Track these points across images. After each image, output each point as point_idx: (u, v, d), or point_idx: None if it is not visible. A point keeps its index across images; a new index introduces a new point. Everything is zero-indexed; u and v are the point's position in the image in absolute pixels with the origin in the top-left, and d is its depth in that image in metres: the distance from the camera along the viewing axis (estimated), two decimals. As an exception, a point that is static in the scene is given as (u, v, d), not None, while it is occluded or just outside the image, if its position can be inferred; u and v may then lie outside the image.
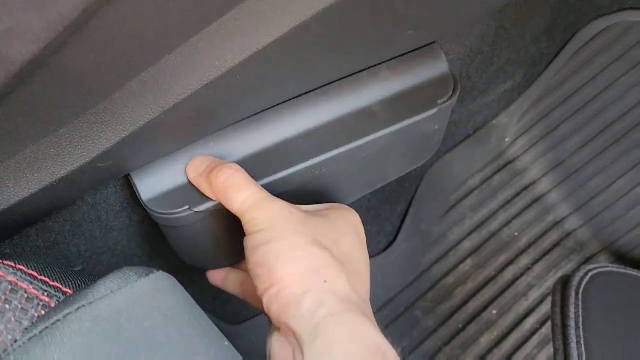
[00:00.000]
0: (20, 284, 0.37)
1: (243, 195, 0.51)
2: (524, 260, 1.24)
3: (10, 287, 0.37)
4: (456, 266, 1.24)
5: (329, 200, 0.66)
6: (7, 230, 0.54)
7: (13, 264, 0.38)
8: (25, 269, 0.39)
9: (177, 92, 0.43)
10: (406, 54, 0.66)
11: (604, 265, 0.81)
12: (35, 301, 0.37)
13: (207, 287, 0.68)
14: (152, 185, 0.56)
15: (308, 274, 0.48)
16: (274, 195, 0.55)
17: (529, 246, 1.25)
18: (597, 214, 1.22)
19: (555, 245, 1.25)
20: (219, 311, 1.00)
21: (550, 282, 1.22)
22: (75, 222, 0.62)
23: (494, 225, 1.26)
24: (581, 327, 0.73)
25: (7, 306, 0.36)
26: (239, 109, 0.55)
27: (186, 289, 0.43)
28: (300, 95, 0.61)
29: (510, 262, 1.24)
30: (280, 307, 0.48)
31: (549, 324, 1.16)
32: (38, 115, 0.40)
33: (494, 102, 1.19)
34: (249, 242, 0.51)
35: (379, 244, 1.20)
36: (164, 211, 0.56)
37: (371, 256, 1.16)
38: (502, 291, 1.21)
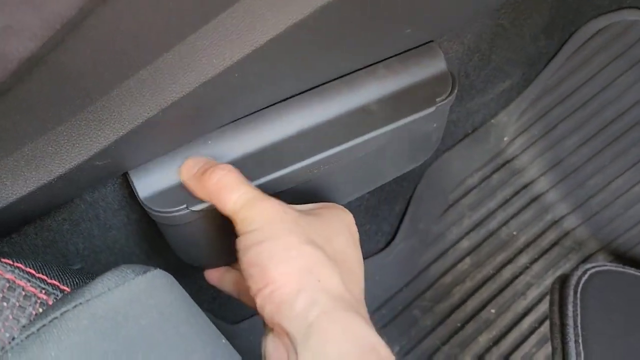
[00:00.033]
0: (17, 281, 0.37)
1: (235, 195, 0.51)
2: (523, 259, 1.24)
3: (7, 284, 0.37)
4: (454, 265, 1.24)
5: (327, 199, 0.66)
6: (5, 228, 0.54)
7: (11, 262, 0.39)
8: (22, 267, 0.39)
9: (175, 90, 0.43)
10: (404, 52, 0.66)
11: (603, 264, 0.81)
12: (33, 299, 0.37)
13: (205, 286, 0.68)
14: (149, 183, 0.56)
15: (301, 273, 0.48)
16: (272, 194, 0.54)
17: (528, 245, 1.25)
18: (596, 213, 1.22)
19: (554, 244, 1.25)
20: (217, 310, 1.00)
21: (548, 281, 1.22)
22: (74, 220, 0.62)
23: (493, 224, 1.26)
24: (579, 325, 0.73)
25: (5, 304, 0.36)
26: (237, 107, 0.55)
27: (184, 288, 0.43)
28: (298, 94, 0.61)
29: (508, 261, 1.24)
30: (273, 307, 0.47)
31: (547, 323, 1.15)
32: (36, 113, 0.40)
33: (493, 101, 1.19)
34: (242, 242, 0.50)
35: (378, 243, 1.20)
36: (161, 209, 0.56)
37: (369, 255, 1.16)
38: (501, 290, 1.21)
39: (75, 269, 0.64)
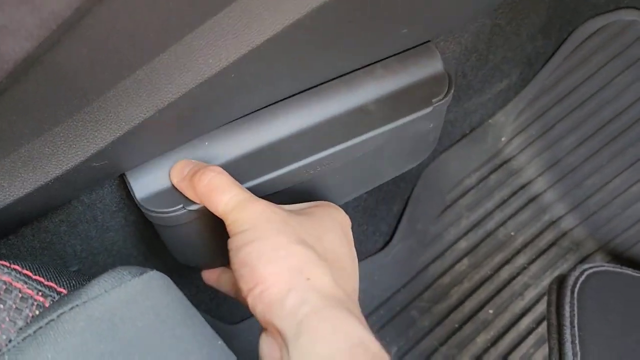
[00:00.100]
0: (14, 283, 0.37)
1: (226, 197, 0.52)
2: (520, 260, 1.24)
3: (4, 286, 0.37)
4: (452, 266, 1.24)
5: (325, 199, 0.66)
6: (2, 230, 0.54)
7: (7, 264, 0.38)
8: (19, 269, 0.39)
9: (172, 91, 0.43)
10: (401, 52, 0.66)
11: (600, 264, 0.81)
12: (30, 301, 0.37)
13: (203, 287, 0.68)
14: (146, 184, 0.57)
15: (291, 272, 0.48)
16: (269, 194, 0.55)
17: (525, 246, 1.25)
18: (593, 213, 1.22)
19: (551, 244, 1.25)
20: (215, 311, 1.00)
21: (546, 281, 1.22)
22: (71, 222, 0.62)
23: (490, 224, 1.26)
24: (576, 326, 0.73)
25: (2, 306, 0.36)
26: (234, 107, 0.55)
27: (182, 289, 0.43)
28: (295, 94, 0.61)
29: (506, 262, 1.24)
30: (264, 306, 0.48)
31: (545, 323, 1.16)
32: (32, 113, 0.40)
33: (490, 101, 1.19)
34: (233, 243, 0.51)
35: (375, 243, 1.20)
36: (158, 210, 0.56)
37: (367, 256, 1.16)
38: (498, 291, 1.21)
39: (73, 270, 0.64)
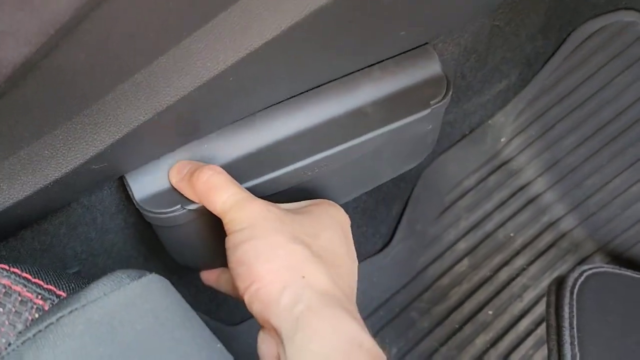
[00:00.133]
0: (14, 286, 0.37)
1: (224, 196, 0.52)
2: (520, 261, 1.24)
3: (4, 290, 0.37)
4: (452, 267, 1.24)
5: (324, 200, 0.66)
6: (2, 233, 0.54)
7: (7, 267, 0.39)
8: (19, 272, 0.39)
9: (170, 94, 0.43)
10: (399, 54, 0.66)
11: (599, 265, 0.81)
12: (29, 304, 0.37)
13: (203, 288, 0.68)
14: (145, 185, 0.57)
15: (286, 270, 0.49)
16: (268, 195, 0.55)
17: (524, 247, 1.25)
18: (593, 214, 1.22)
19: (551, 245, 1.25)
20: (215, 312, 1.00)
21: (545, 283, 1.22)
22: (71, 224, 0.63)
23: (489, 226, 1.26)
24: (575, 327, 0.73)
25: (1, 309, 0.36)
26: (232, 110, 0.55)
27: (182, 290, 0.43)
28: (293, 96, 0.61)
29: (505, 263, 1.24)
30: (261, 304, 0.49)
31: (544, 325, 1.16)
32: (31, 117, 0.40)
33: (489, 102, 1.19)
34: (230, 242, 0.51)
35: (375, 245, 1.20)
36: (156, 210, 0.56)
37: (366, 257, 1.16)
38: (498, 292, 1.21)
39: (72, 272, 0.64)
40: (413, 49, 0.66)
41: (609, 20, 1.08)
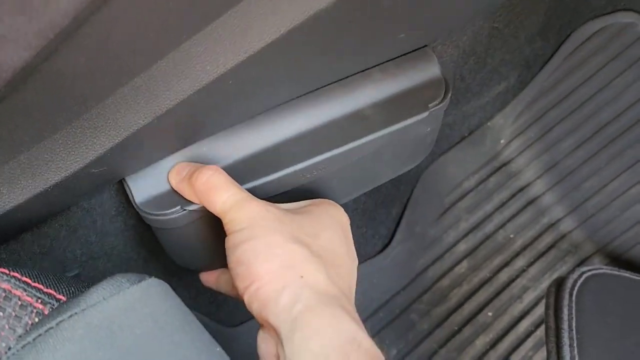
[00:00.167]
0: (14, 291, 0.37)
1: (224, 196, 0.52)
2: (519, 262, 1.24)
3: (4, 294, 0.37)
4: (451, 268, 1.24)
5: (323, 201, 0.66)
6: (2, 236, 0.54)
7: (7, 271, 0.39)
8: (19, 276, 0.39)
9: (170, 98, 0.43)
10: (398, 57, 0.66)
11: (598, 267, 0.81)
12: (29, 308, 0.37)
13: (203, 290, 0.68)
14: (145, 187, 0.57)
15: (285, 270, 0.49)
16: (266, 197, 0.55)
17: (524, 248, 1.25)
18: (592, 216, 1.22)
19: (550, 247, 1.25)
20: (215, 313, 1.01)
21: (545, 284, 1.22)
22: (71, 227, 0.63)
23: (489, 227, 1.26)
24: (574, 329, 0.73)
25: (1, 313, 0.36)
26: (232, 114, 0.55)
27: (182, 292, 0.44)
28: (293, 99, 0.61)
29: (505, 264, 1.24)
30: (260, 304, 0.49)
31: (543, 326, 1.15)
32: (31, 121, 0.40)
33: (489, 104, 1.19)
34: (230, 242, 0.52)
35: (374, 246, 1.20)
36: (156, 212, 0.56)
37: (366, 259, 1.16)
38: (498, 293, 1.21)
39: (71, 275, 0.64)
40: (412, 51, 0.66)
41: (608, 21, 1.08)
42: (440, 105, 0.65)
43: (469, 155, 1.27)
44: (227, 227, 0.52)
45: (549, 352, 0.74)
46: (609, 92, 1.14)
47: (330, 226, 0.56)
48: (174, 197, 0.57)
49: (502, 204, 1.28)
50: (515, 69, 1.13)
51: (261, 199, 0.55)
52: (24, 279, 0.39)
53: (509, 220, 1.27)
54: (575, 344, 0.72)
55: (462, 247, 1.25)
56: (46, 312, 0.37)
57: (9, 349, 0.35)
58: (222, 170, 0.54)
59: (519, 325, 1.19)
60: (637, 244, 1.19)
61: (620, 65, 1.11)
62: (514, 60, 1.10)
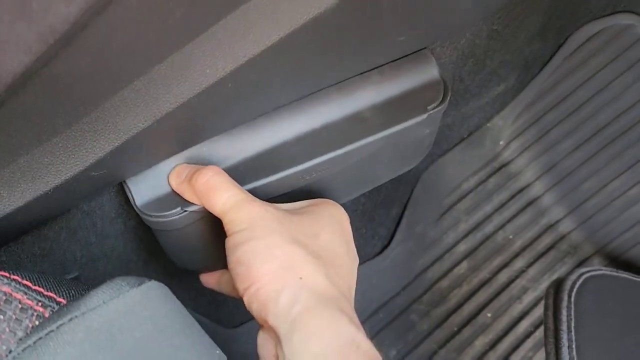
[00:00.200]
0: (14, 294, 0.38)
1: (224, 197, 0.53)
2: (519, 263, 1.24)
3: (4, 297, 0.37)
4: (451, 269, 1.24)
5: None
6: (2, 238, 0.54)
7: (7, 274, 0.39)
8: (19, 279, 0.39)
9: (169, 101, 0.43)
10: (397, 59, 0.66)
11: (597, 268, 0.81)
12: (30, 311, 0.37)
13: (203, 291, 0.69)
14: (145, 190, 0.57)
15: (284, 271, 0.49)
16: (266, 199, 0.55)
17: (524, 249, 1.25)
18: (591, 216, 1.22)
19: (550, 248, 1.25)
20: (215, 315, 1.01)
21: (544, 284, 1.22)
22: (71, 229, 0.63)
23: (489, 228, 1.26)
24: (573, 330, 0.73)
25: (2, 317, 0.36)
26: (231, 116, 0.55)
27: (182, 293, 0.44)
28: (292, 101, 0.61)
29: (504, 265, 1.24)
30: (259, 305, 0.49)
31: (543, 327, 1.16)
32: (31, 124, 0.40)
33: (488, 105, 1.19)
34: (229, 242, 0.52)
35: (374, 247, 1.20)
36: (157, 214, 0.56)
37: (366, 260, 1.16)
38: (497, 294, 1.21)
39: (71, 278, 0.64)
40: (411, 53, 0.67)
41: (607, 23, 1.08)
42: (439, 107, 0.66)
43: (468, 157, 1.27)
44: (227, 227, 0.52)
45: (547, 354, 0.74)
46: (608, 94, 1.14)
47: (329, 226, 0.56)
48: (174, 198, 0.57)
49: (502, 205, 1.28)
50: (514, 70, 1.13)
51: (261, 199, 0.55)
52: (25, 282, 0.39)
53: (508, 221, 1.27)
54: (574, 346, 0.72)
55: (462, 247, 1.25)
56: (47, 315, 0.37)
57: (10, 352, 0.35)
58: (222, 171, 0.55)
59: (519, 326, 1.19)
60: (636, 245, 1.19)
61: (619, 67, 1.11)
62: (513, 62, 1.10)
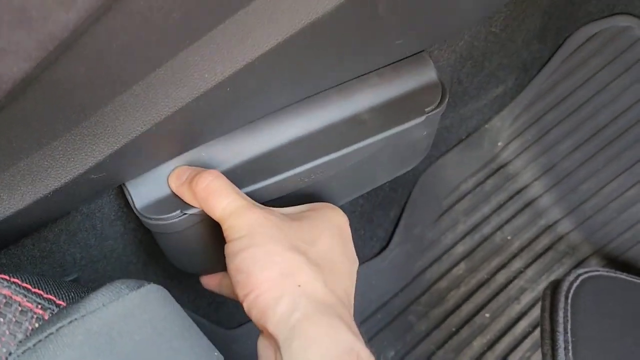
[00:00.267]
0: (14, 297, 0.38)
1: (224, 202, 0.53)
2: (517, 264, 1.24)
3: (4, 300, 0.37)
4: (449, 270, 1.24)
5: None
6: (3, 241, 0.54)
7: (7, 277, 0.39)
8: (19, 282, 0.39)
9: (168, 105, 0.43)
10: (395, 62, 0.66)
11: (595, 269, 0.81)
12: (29, 314, 0.37)
13: (202, 292, 0.69)
14: (144, 192, 0.57)
15: (284, 278, 0.50)
16: (265, 202, 0.55)
17: (522, 250, 1.25)
18: (589, 217, 1.22)
19: (548, 248, 1.25)
20: (214, 316, 1.01)
21: (542, 285, 1.22)
22: (71, 231, 0.63)
23: (487, 229, 1.27)
24: (569, 332, 0.73)
25: (2, 319, 0.37)
26: (230, 120, 0.56)
27: (181, 295, 0.44)
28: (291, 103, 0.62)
29: (502, 266, 1.24)
30: (258, 311, 0.49)
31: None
32: (31, 129, 0.40)
33: (486, 107, 1.19)
34: (229, 249, 0.52)
35: (372, 248, 1.20)
36: (156, 217, 0.57)
37: (364, 261, 1.16)
38: (495, 295, 1.22)
39: (71, 280, 0.64)
40: (409, 56, 0.67)
41: (605, 25, 1.09)
42: (437, 109, 0.66)
43: (467, 158, 1.27)
44: (227, 233, 0.52)
45: (544, 355, 0.74)
46: (606, 95, 1.14)
47: (329, 230, 0.56)
48: (173, 201, 0.57)
49: (500, 206, 1.28)
50: (512, 72, 1.13)
51: (260, 202, 0.55)
52: (24, 284, 0.39)
53: (506, 222, 1.27)
54: (570, 347, 0.72)
55: (460, 249, 1.26)
56: (46, 318, 0.38)
57: (10, 354, 0.35)
58: (222, 175, 0.55)
59: (517, 327, 1.19)
60: (634, 246, 1.19)
61: (617, 69, 1.12)
62: (511, 64, 1.10)
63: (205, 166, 0.58)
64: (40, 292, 0.39)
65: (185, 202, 0.56)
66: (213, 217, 0.54)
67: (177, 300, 0.44)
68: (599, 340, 0.74)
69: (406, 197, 1.21)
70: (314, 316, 0.48)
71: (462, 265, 1.24)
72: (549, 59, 1.17)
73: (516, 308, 1.21)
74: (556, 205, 1.26)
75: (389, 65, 0.66)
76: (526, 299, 1.21)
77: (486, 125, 1.26)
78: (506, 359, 1.16)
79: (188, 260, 0.66)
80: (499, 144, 1.29)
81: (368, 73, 0.65)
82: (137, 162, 0.53)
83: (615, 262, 1.22)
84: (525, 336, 1.18)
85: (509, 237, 1.26)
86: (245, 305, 0.50)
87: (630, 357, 0.74)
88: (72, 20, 0.30)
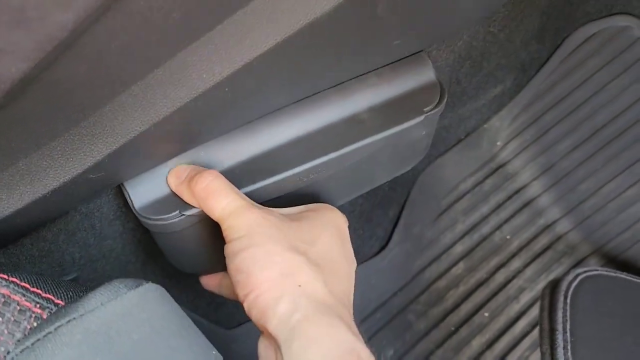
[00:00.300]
0: (13, 296, 0.38)
1: (223, 202, 0.53)
2: (516, 264, 1.24)
3: (3, 299, 0.37)
4: (448, 270, 1.24)
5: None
6: (1, 240, 0.54)
7: (6, 277, 0.39)
8: (18, 281, 0.39)
9: (166, 105, 0.44)
10: (394, 62, 0.66)
11: (593, 268, 0.81)
12: (28, 313, 0.38)
13: (201, 292, 0.69)
14: (143, 192, 0.57)
15: (284, 278, 0.50)
16: (263, 201, 0.55)
17: (521, 249, 1.25)
18: (588, 217, 1.22)
19: (546, 248, 1.25)
20: (213, 315, 1.01)
21: (541, 285, 1.22)
22: (70, 231, 0.63)
23: (486, 228, 1.27)
24: (568, 331, 0.73)
25: (0, 318, 0.37)
26: (228, 120, 0.56)
27: (180, 294, 0.44)
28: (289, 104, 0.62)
29: (501, 265, 1.24)
30: (258, 312, 0.49)
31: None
32: (30, 129, 0.41)
33: (485, 107, 1.19)
34: (229, 249, 0.52)
35: (371, 248, 1.20)
36: (155, 217, 0.57)
37: (363, 260, 1.16)
38: (494, 294, 1.21)
39: (69, 279, 0.65)
40: (408, 56, 0.67)
41: (603, 25, 1.09)
42: (436, 109, 0.66)
43: (466, 158, 1.27)
44: (226, 234, 0.52)
45: (542, 354, 0.74)
46: (605, 95, 1.14)
47: (328, 231, 0.56)
48: (172, 201, 0.57)
49: (499, 206, 1.28)
50: (511, 72, 1.13)
51: (259, 202, 0.55)
52: (23, 284, 0.39)
53: (505, 221, 1.27)
54: (569, 346, 0.72)
55: (459, 248, 1.26)
56: (45, 317, 0.38)
57: (8, 353, 0.35)
58: (221, 175, 0.55)
59: (516, 326, 1.19)
60: (633, 245, 1.19)
61: (616, 69, 1.12)
62: (509, 64, 1.10)
63: (204, 166, 0.58)
64: (39, 291, 0.39)
65: (184, 202, 0.56)
66: (212, 217, 0.54)
67: (176, 300, 0.44)
68: (598, 339, 0.74)
69: (405, 196, 1.21)
70: (314, 316, 0.48)
71: (461, 265, 1.24)
72: (548, 59, 1.17)
73: (515, 307, 1.21)
74: (555, 205, 1.26)
75: (387, 65, 0.66)
76: (525, 298, 1.21)
77: (485, 125, 1.26)
78: (505, 358, 1.16)
79: (187, 260, 0.66)
80: (498, 143, 1.29)
81: (367, 73, 0.65)
82: (135, 162, 0.53)
83: (614, 261, 1.22)
84: (524, 335, 1.18)
85: (508, 237, 1.26)
86: (245, 305, 0.50)
87: (630, 356, 0.75)
88: (70, 20, 0.30)
